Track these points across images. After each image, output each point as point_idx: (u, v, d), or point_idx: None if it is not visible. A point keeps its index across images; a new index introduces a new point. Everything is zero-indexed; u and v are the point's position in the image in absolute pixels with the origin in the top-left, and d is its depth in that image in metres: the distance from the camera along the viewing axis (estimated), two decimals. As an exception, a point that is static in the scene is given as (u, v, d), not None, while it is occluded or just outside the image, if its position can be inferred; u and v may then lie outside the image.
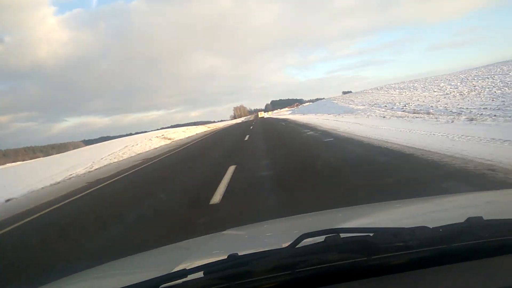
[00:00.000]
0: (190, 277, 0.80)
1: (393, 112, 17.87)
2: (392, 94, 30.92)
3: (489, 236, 0.82)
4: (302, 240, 0.85)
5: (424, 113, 14.97)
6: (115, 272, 1.41)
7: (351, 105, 28.70)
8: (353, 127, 12.44)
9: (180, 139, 30.63)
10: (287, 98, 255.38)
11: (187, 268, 0.82)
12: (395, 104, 21.86)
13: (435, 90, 26.66)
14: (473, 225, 0.83)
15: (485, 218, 0.85)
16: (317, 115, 26.94)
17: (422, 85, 32.62)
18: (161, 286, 0.79)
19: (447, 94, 21.76)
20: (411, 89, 31.20)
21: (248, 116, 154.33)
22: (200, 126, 58.26)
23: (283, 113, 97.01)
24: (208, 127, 56.65)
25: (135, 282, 0.83)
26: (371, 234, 0.83)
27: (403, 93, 29.36)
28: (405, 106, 19.49)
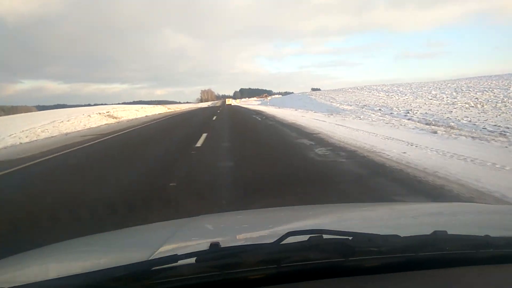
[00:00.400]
0: (181, 262, 0.82)
1: (397, 119, 14.03)
2: (379, 96, 27.39)
3: (451, 248, 0.92)
4: (287, 237, 0.89)
5: (443, 125, 11.16)
6: (101, 248, 1.39)
7: (334, 104, 24.79)
8: (395, 145, 7.15)
9: (128, 120, 25.31)
10: (256, 88, 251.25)
11: (178, 254, 0.83)
12: (391, 108, 18.11)
13: (430, 97, 23.37)
14: (438, 237, 0.92)
15: (450, 231, 0.94)
16: (300, 112, 22.23)
17: (409, 90, 29.40)
18: (153, 268, 0.80)
19: (451, 104, 18.33)
20: (398, 94, 27.88)
21: (215, 102, 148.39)
22: (159, 106, 51.88)
23: (251, 103, 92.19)
24: (168, 109, 50.60)
25: (122, 261, 0.85)
26: (350, 238, 0.89)
27: (392, 96, 25.88)
28: (408, 113, 15.74)
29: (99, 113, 25.60)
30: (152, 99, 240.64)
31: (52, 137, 15.30)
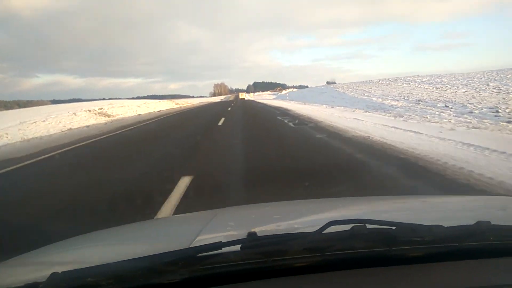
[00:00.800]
0: (225, 249, 0.82)
1: (491, 122, 9.37)
2: (425, 88, 22.46)
3: (495, 239, 0.90)
4: (329, 226, 0.88)
5: None
6: (136, 237, 1.38)
7: (373, 98, 20.03)
8: None
9: (122, 118, 21.13)
10: (269, 81, 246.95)
11: (222, 241, 0.84)
12: (464, 105, 13.35)
13: (494, 90, 18.42)
14: (482, 227, 0.89)
15: (492, 222, 0.92)
16: (336, 109, 17.21)
17: (460, 82, 24.34)
18: (199, 255, 0.81)
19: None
20: (448, 86, 22.90)
21: (228, 96, 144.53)
22: (165, 101, 47.23)
23: (266, 97, 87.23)
24: (176, 104, 46.10)
25: (163, 248, 0.86)
26: (393, 228, 0.88)
27: (446, 89, 20.94)
28: (498, 111, 11.01)
29: (89, 110, 21.46)
30: (165, 93, 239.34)
31: (9, 144, 11.22)
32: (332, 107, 18.68)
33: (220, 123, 12.46)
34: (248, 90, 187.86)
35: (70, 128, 15.47)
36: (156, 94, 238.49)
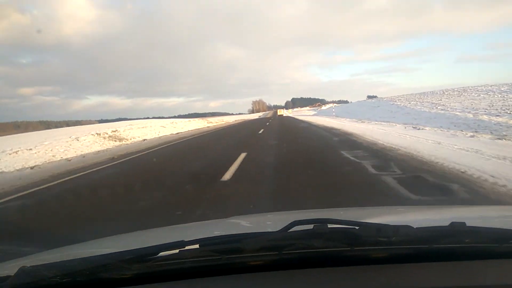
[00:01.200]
0: (188, 247, 0.85)
1: None
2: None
3: (470, 241, 0.86)
4: (293, 226, 0.88)
5: None
6: (129, 244, 1.40)
7: (455, 112, 14.92)
8: None
9: (140, 141, 17.57)
10: (308, 97, 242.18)
11: (185, 240, 0.86)
12: None
13: None
14: (456, 229, 0.86)
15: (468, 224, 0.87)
16: (425, 132, 11.05)
17: None
18: (160, 254, 0.84)
19: None
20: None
21: (266, 112, 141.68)
22: (196, 119, 43.45)
23: (305, 113, 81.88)
24: (209, 122, 42.17)
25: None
26: (357, 227, 0.86)
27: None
28: None
29: (97, 134, 18.09)
30: (206, 111, 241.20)
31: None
32: (416, 128, 13.66)
33: (233, 167, 6.65)
34: (287, 106, 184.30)
35: (61, 158, 11.93)
36: (198, 112, 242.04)
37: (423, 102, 22.34)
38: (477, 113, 13.75)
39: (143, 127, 23.75)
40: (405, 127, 13.63)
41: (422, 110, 18.13)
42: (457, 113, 14.46)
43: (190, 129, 30.19)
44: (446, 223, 0.87)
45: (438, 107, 17.82)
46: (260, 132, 18.92)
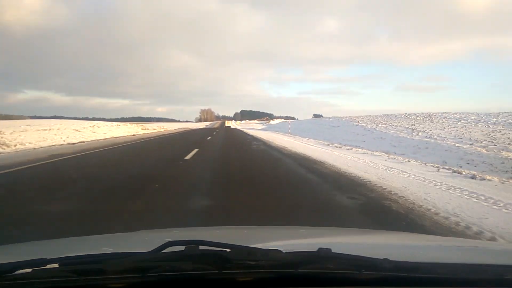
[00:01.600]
0: (49, 266, 0.79)
1: None
2: (448, 125, 14.45)
3: (333, 267, 0.85)
4: (167, 247, 0.85)
5: None
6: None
7: (444, 141, 11.68)
8: None
9: (15, 150, 12.05)
10: (257, 110, 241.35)
11: (47, 258, 0.81)
12: None
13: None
14: (322, 255, 0.86)
15: (334, 251, 0.87)
16: (441, 174, 6.92)
17: (475, 119, 16.47)
18: (17, 272, 0.77)
19: None
20: (468, 124, 15.01)
21: (214, 122, 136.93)
22: (128, 124, 36.39)
23: (254, 126, 78.34)
24: (144, 129, 35.74)
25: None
26: (228, 250, 0.84)
27: (468, 127, 12.96)
28: None
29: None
30: (152, 116, 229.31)
31: None
32: (382, 154, 9.92)
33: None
34: (235, 117, 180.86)
35: None
36: (143, 116, 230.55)
37: (393, 125, 19.38)
38: (484, 145, 10.55)
39: (44, 130, 17.98)
40: (393, 158, 9.96)
41: (401, 136, 14.88)
42: (457, 144, 11.16)
43: (120, 135, 24.57)
44: (321, 247, 0.87)
45: (420, 134, 14.67)
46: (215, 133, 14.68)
